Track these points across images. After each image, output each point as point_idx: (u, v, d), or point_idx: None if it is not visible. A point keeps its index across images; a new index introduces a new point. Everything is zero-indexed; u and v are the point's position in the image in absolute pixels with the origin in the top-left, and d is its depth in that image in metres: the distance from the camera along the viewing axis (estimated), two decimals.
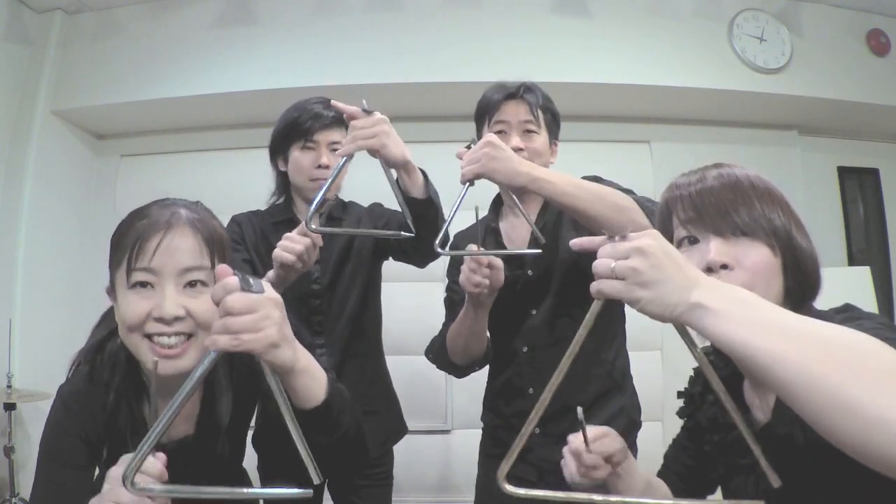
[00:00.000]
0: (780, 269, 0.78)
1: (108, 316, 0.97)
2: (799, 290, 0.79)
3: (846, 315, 0.76)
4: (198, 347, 0.84)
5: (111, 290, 0.89)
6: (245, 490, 0.75)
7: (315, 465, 0.67)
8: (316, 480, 0.67)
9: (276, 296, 0.70)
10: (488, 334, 1.42)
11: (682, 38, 2.75)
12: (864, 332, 0.65)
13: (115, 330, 0.91)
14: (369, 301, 1.59)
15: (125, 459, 0.72)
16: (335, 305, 1.53)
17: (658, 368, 2.73)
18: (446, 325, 1.49)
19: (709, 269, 0.76)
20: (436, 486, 2.70)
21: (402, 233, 1.23)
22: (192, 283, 0.85)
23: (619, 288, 0.62)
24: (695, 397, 0.97)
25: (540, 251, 1.27)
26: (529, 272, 1.42)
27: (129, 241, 0.85)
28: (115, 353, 0.91)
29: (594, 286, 0.65)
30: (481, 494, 1.52)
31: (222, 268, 0.68)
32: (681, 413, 1.01)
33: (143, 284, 0.84)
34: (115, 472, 0.71)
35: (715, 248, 0.77)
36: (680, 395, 1.01)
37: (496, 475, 0.73)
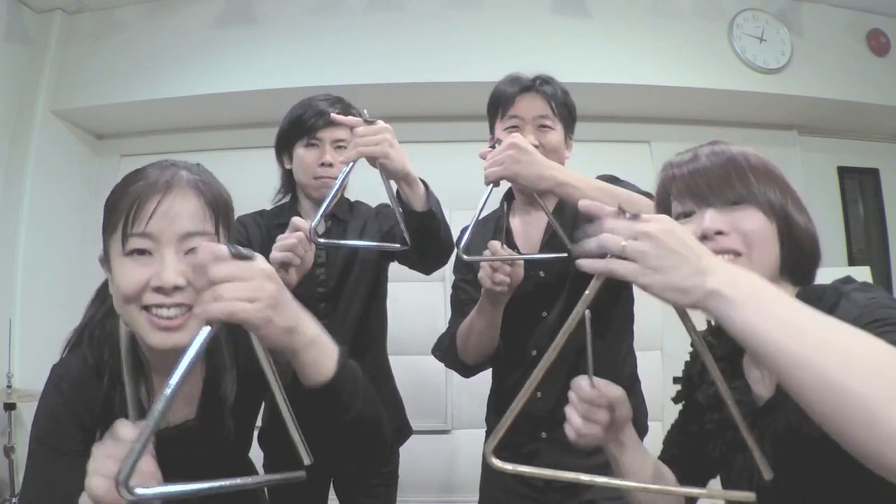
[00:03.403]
0: (775, 238, 0.79)
1: (102, 291, 0.90)
2: (796, 262, 0.80)
3: (855, 286, 0.77)
4: (199, 320, 0.80)
5: (104, 259, 0.82)
6: (239, 480, 0.66)
7: (306, 445, 0.63)
8: (306, 461, 0.63)
9: (269, 268, 0.66)
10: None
11: (682, 38, 2.75)
12: (882, 305, 0.66)
13: (110, 309, 0.85)
14: (375, 304, 1.58)
15: (98, 454, 0.65)
16: (340, 309, 1.51)
17: (658, 368, 2.73)
18: (453, 324, 1.47)
19: (703, 237, 0.77)
20: (436, 486, 2.70)
21: (397, 245, 1.22)
22: (193, 250, 0.77)
23: (632, 269, 0.61)
24: (692, 378, 0.97)
25: (567, 255, 1.24)
26: (542, 274, 1.39)
27: (125, 205, 0.77)
28: (110, 331, 0.86)
29: (604, 263, 0.63)
30: (485, 498, 1.51)
31: (204, 245, 0.64)
32: (677, 398, 1.01)
33: (141, 251, 0.77)
34: (96, 484, 0.63)
35: (709, 217, 0.78)
36: (676, 380, 1.01)
37: (490, 458, 0.72)
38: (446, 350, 1.47)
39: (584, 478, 0.73)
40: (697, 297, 0.60)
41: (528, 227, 1.45)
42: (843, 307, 0.73)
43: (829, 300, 0.75)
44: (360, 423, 0.77)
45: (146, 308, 0.77)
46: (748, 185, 0.79)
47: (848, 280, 0.80)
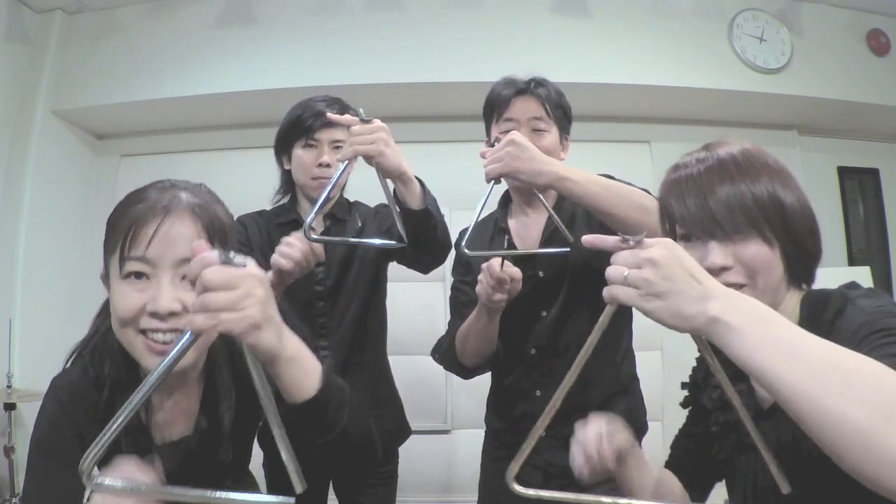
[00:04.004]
0: (779, 258, 0.79)
1: (107, 306, 0.90)
2: (798, 265, 0.80)
3: (861, 292, 0.77)
4: (195, 344, 0.80)
5: (105, 277, 0.83)
6: (217, 494, 0.64)
7: (299, 472, 0.62)
8: (298, 489, 0.62)
9: (260, 272, 0.65)
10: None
11: (682, 38, 2.75)
12: (889, 314, 0.67)
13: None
14: (373, 303, 1.58)
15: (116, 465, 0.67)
16: (339, 307, 1.52)
17: (658, 368, 2.73)
18: (453, 326, 1.47)
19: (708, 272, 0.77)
20: (436, 486, 2.70)
21: (394, 242, 1.22)
22: None
23: (633, 296, 0.63)
24: (698, 382, 0.98)
25: (568, 249, 1.25)
26: (541, 273, 1.39)
27: (124, 227, 0.78)
28: (110, 346, 0.86)
29: (607, 291, 0.65)
30: (484, 497, 1.51)
31: (198, 244, 0.63)
32: (685, 403, 1.01)
33: (138, 275, 0.78)
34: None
35: (713, 252, 0.78)
36: (684, 385, 1.02)
37: (505, 475, 0.72)
38: (445, 353, 1.47)
39: (606, 500, 0.73)
40: (699, 324, 0.61)
41: (527, 229, 1.45)
42: (848, 313, 0.73)
43: (834, 305, 0.75)
44: (346, 441, 0.77)
45: (143, 332, 0.77)
46: (735, 190, 0.79)
47: (853, 285, 0.80)
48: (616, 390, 1.40)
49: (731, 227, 0.78)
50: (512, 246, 1.43)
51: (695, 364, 1.02)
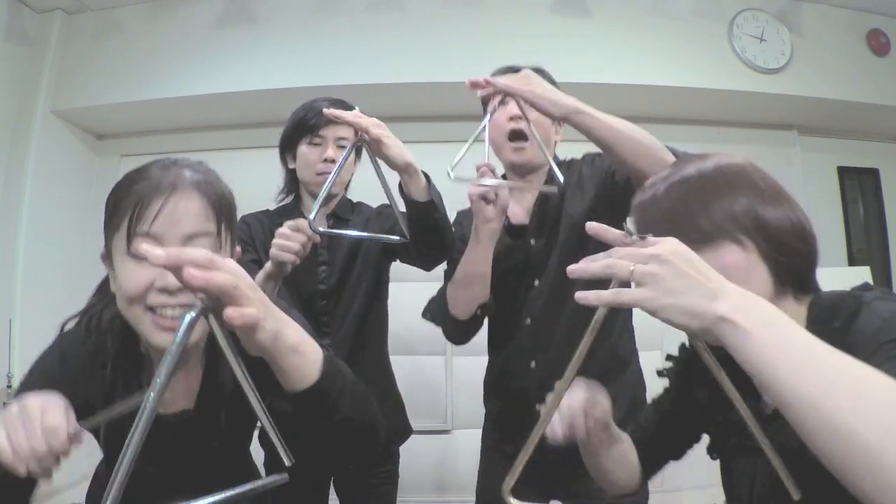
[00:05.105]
0: (757, 260, 0.75)
1: (104, 286, 0.91)
2: (787, 270, 0.76)
3: (876, 294, 0.73)
4: (196, 324, 0.80)
5: (106, 257, 0.82)
6: (219, 496, 0.63)
7: (286, 447, 0.62)
8: (287, 463, 0.62)
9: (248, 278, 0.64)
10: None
11: (682, 38, 2.75)
12: None
13: (109, 301, 0.85)
14: (376, 302, 1.59)
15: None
16: (342, 306, 1.53)
17: (658, 368, 2.72)
18: (445, 286, 1.48)
19: None
20: (436, 486, 2.70)
21: (396, 237, 1.24)
22: None
23: (640, 295, 0.60)
24: (693, 374, 0.95)
25: (556, 189, 1.27)
26: (532, 242, 1.40)
27: (129, 204, 0.78)
28: (110, 321, 0.86)
29: (611, 294, 0.62)
30: (482, 482, 1.51)
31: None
32: (663, 373, 1.01)
33: None
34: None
35: None
36: (669, 357, 1.00)
37: (501, 487, 0.72)
38: (437, 308, 1.47)
39: None
40: (708, 322, 0.58)
41: (519, 205, 1.46)
42: (863, 317, 0.70)
43: (848, 308, 0.72)
44: (348, 427, 0.76)
45: (151, 309, 0.77)
46: (709, 212, 0.75)
47: (867, 287, 0.77)
48: (613, 365, 1.39)
49: (696, 236, 0.73)
50: (507, 222, 1.40)
51: (683, 343, 0.99)
